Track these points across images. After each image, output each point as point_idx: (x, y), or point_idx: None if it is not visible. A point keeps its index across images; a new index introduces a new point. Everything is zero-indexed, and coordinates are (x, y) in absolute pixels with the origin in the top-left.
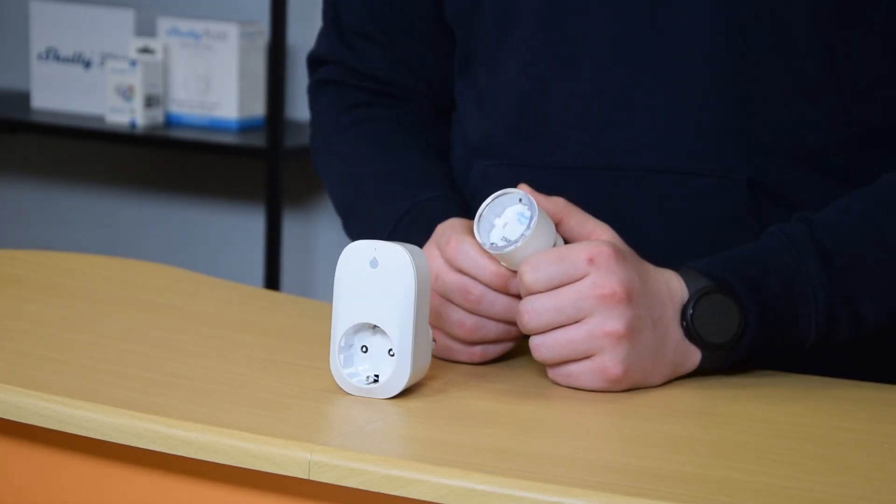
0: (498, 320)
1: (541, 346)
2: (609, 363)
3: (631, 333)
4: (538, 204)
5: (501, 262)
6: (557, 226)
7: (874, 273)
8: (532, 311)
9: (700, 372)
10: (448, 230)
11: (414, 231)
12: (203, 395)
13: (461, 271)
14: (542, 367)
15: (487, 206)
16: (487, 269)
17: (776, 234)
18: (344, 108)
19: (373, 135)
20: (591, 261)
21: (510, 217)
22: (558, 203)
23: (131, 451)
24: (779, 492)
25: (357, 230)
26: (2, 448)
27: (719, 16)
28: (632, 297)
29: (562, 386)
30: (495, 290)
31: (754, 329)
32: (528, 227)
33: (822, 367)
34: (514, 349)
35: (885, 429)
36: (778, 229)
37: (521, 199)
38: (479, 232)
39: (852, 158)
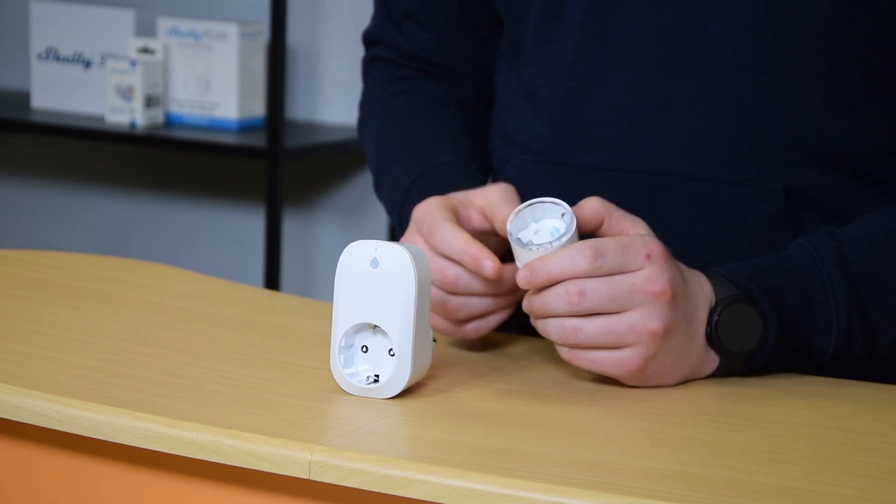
0: (478, 295)
1: (579, 329)
2: (635, 356)
3: (666, 334)
4: (577, 217)
5: (517, 261)
6: (599, 227)
7: (893, 292)
8: (585, 294)
9: (712, 378)
10: (426, 217)
11: (426, 193)
12: (203, 395)
13: (445, 257)
14: (542, 368)
15: (529, 207)
16: (466, 254)
17: (804, 245)
18: (389, 79)
19: (410, 103)
20: (648, 256)
21: (546, 227)
22: (596, 208)
23: (131, 451)
24: (779, 492)
25: (383, 192)
26: (2, 448)
27: (759, 25)
28: (676, 299)
29: (574, 366)
30: (472, 268)
31: (774, 341)
32: (557, 238)
33: (823, 367)
34: (513, 348)
35: (885, 429)
36: (806, 241)
37: (563, 215)
38: (511, 223)
39: (888, 166)
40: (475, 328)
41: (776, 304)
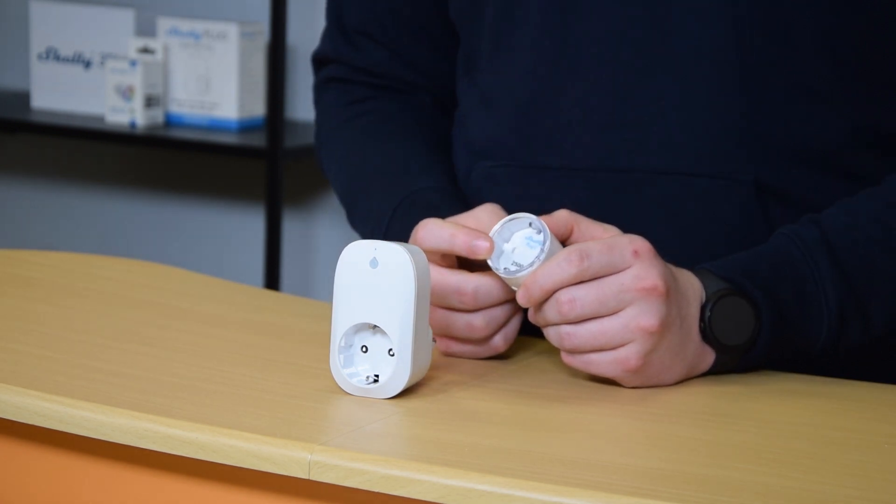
0: (502, 304)
1: (572, 335)
2: (632, 355)
3: (662, 330)
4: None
5: (512, 286)
6: (569, 236)
7: (883, 277)
8: (574, 301)
9: (709, 374)
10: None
11: (410, 220)
12: (203, 395)
13: (432, 251)
14: (542, 368)
15: (496, 233)
16: (457, 238)
17: (789, 236)
18: (346, 102)
19: (373, 126)
20: (635, 253)
21: (518, 241)
22: (564, 217)
23: (131, 451)
24: (779, 492)
25: (359, 221)
26: (2, 448)
27: (724, 17)
28: (669, 294)
29: (572, 369)
30: (464, 248)
31: (768, 333)
32: (542, 250)
33: (823, 367)
34: (513, 348)
35: (885, 429)
36: (790, 231)
37: (530, 224)
38: (489, 259)
39: (858, 159)
40: (504, 337)
41: (770, 297)
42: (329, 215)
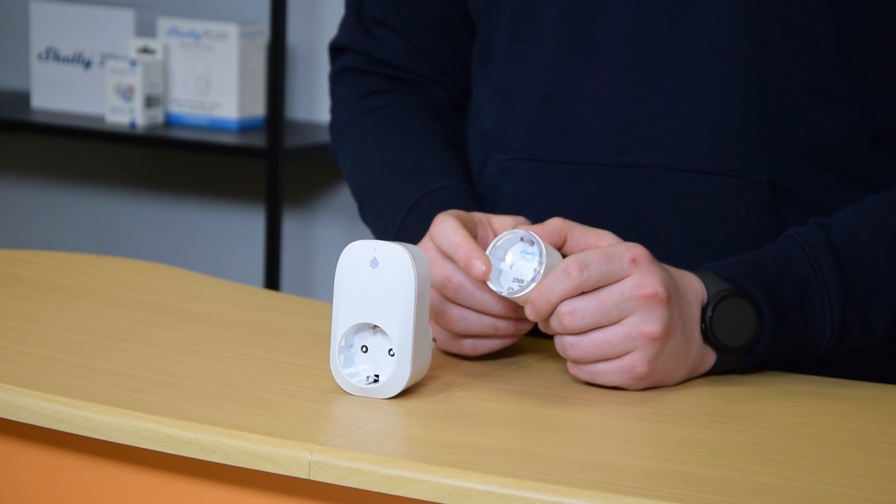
0: (478, 311)
1: (576, 345)
2: (637, 362)
3: (666, 336)
4: (538, 236)
5: (520, 304)
6: (563, 244)
7: (885, 279)
8: (575, 312)
9: (710, 374)
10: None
11: (425, 218)
12: (203, 395)
13: (438, 248)
14: (542, 368)
15: (490, 255)
16: (461, 249)
17: (794, 238)
18: (362, 94)
19: (389, 120)
20: (633, 261)
21: (514, 257)
22: (557, 225)
23: (132, 451)
24: (779, 492)
25: (371, 216)
26: (2, 448)
27: (741, 16)
28: (670, 299)
29: (580, 381)
30: (462, 263)
31: (770, 334)
32: (540, 262)
33: (824, 367)
34: (513, 348)
35: (885, 429)
36: (796, 233)
37: (522, 238)
38: (491, 282)
39: (871, 160)
40: (473, 346)
41: (772, 298)
42: (329, 215)
